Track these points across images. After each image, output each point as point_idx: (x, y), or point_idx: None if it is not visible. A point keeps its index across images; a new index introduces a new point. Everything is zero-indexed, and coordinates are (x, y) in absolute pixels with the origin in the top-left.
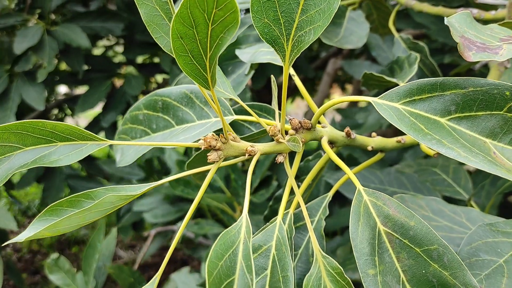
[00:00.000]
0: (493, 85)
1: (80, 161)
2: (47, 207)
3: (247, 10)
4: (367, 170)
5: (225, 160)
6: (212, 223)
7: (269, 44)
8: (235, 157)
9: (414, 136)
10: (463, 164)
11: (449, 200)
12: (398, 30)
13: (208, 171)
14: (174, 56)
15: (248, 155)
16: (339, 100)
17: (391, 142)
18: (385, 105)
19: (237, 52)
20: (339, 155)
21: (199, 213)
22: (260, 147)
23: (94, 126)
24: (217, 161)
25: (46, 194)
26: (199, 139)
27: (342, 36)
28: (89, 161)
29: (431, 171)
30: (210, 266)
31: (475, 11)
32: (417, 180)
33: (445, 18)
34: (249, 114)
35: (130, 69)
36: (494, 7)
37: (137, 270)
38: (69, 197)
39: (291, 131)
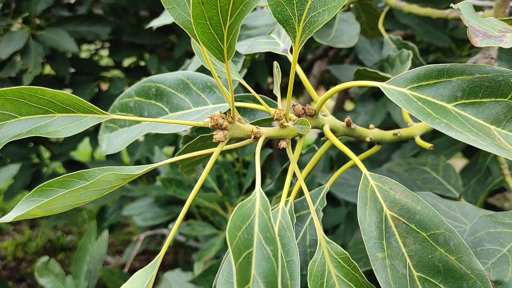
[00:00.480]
0: (499, 72)
1: (66, 168)
2: (36, 187)
3: None
4: (358, 170)
5: (228, 143)
6: (204, 224)
7: (280, 24)
8: (238, 140)
9: (423, 119)
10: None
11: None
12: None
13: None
14: (184, 30)
15: (254, 137)
16: (344, 86)
17: (388, 134)
18: (393, 90)
19: (239, 48)
20: (329, 157)
21: (189, 216)
22: (265, 131)
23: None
24: (222, 141)
25: None
26: (206, 118)
27: (334, 36)
28: (75, 168)
29: (421, 169)
30: (230, 235)
31: None
32: (407, 178)
33: (452, 4)
34: (251, 101)
35: (116, 73)
36: (480, 8)
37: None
38: (60, 177)
39: (293, 117)
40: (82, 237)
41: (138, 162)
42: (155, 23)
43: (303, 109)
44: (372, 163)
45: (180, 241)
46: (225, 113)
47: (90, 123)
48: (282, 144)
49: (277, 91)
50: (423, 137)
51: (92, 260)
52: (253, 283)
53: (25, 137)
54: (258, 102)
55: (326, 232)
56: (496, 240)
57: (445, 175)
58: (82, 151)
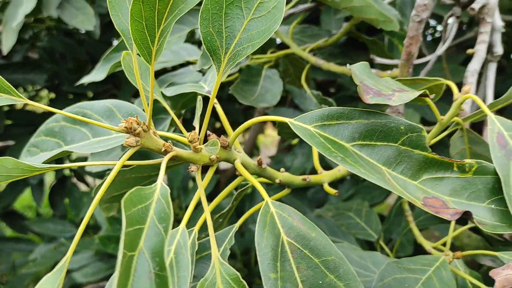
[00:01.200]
0: (391, 119)
1: (3, 219)
2: None
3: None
4: None
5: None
6: None
7: (208, 52)
8: (151, 154)
9: (322, 152)
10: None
11: (362, 242)
12: (315, 79)
13: None
14: (122, 37)
15: (164, 151)
16: (256, 120)
17: (298, 179)
18: (299, 126)
19: (161, 89)
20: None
21: None
22: (177, 149)
23: (20, 180)
24: (133, 147)
25: None
26: (122, 122)
27: (258, 94)
28: (13, 219)
29: (347, 215)
30: (126, 206)
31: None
32: (333, 224)
33: (347, 64)
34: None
35: None
36: (390, 67)
37: None
38: None
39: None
40: None
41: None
42: (86, 79)
43: (217, 139)
44: (311, 203)
45: None
46: None
47: (2, 102)
48: (192, 168)
49: (196, 122)
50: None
51: None
52: (139, 253)
53: None
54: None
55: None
56: (402, 285)
57: (367, 220)
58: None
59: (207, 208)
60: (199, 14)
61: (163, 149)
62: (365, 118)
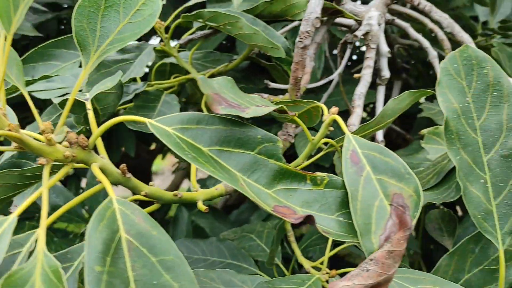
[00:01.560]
0: (250, 128)
1: None
2: None
3: None
4: (191, 241)
5: None
6: None
7: (78, 45)
8: None
9: (176, 151)
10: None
11: (262, 264)
12: None
13: None
14: None
15: (8, 130)
16: (115, 121)
17: (169, 194)
18: (157, 127)
19: (53, 99)
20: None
21: None
22: (27, 136)
23: None
24: None
25: None
26: None
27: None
28: None
29: (248, 237)
30: None
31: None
32: (234, 247)
33: (198, 77)
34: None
35: None
36: (283, 92)
37: None
38: None
39: (65, 143)
40: None
41: None
42: None
43: (76, 138)
44: (233, 225)
45: None
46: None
47: None
48: (41, 160)
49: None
50: None
51: None
52: None
53: None
54: None
55: None
56: None
57: (268, 242)
58: None
59: (45, 209)
60: (75, 8)
61: (6, 129)
62: (224, 125)
